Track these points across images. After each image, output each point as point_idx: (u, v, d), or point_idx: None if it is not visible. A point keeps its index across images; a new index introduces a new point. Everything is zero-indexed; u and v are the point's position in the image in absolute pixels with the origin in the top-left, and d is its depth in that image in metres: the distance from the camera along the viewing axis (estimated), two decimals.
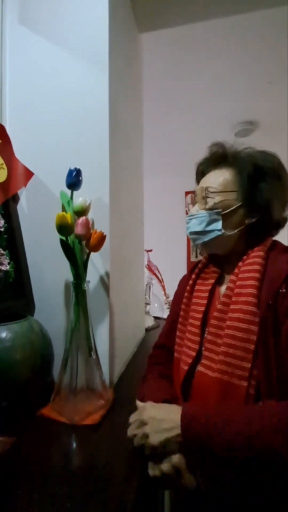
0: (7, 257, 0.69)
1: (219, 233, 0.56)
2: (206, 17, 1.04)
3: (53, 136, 0.76)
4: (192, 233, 0.59)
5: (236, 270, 0.55)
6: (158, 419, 0.44)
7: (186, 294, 0.63)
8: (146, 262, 1.42)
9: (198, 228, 0.57)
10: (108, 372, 0.72)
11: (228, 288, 0.54)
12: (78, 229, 0.63)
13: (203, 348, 0.55)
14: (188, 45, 1.25)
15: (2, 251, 0.67)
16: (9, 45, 0.79)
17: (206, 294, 0.58)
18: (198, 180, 0.65)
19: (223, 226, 0.56)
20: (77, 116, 0.75)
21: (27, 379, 0.58)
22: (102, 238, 0.66)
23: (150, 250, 1.45)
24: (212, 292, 0.59)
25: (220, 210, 0.55)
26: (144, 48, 1.21)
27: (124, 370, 0.85)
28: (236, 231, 0.56)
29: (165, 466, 0.42)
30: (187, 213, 0.63)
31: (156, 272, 1.47)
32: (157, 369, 0.64)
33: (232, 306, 0.51)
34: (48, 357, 0.65)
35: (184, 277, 0.74)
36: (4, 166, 0.72)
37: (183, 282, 0.71)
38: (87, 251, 0.66)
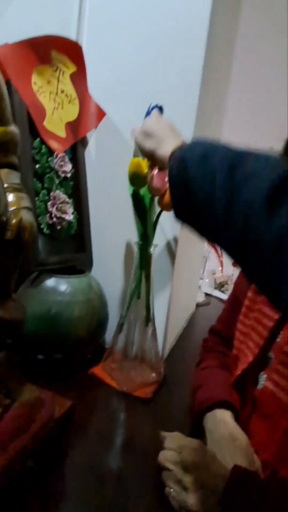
0: (71, 206, 0.64)
1: None
2: None
3: (132, 65, 0.62)
4: None
5: None
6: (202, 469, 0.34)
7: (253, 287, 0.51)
8: None
9: None
10: (161, 344, 0.67)
11: None
12: (154, 181, 0.52)
13: (271, 355, 0.43)
14: None
15: (67, 199, 0.62)
16: None
17: None
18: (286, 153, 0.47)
19: None
20: (165, 38, 0.59)
21: (82, 337, 0.55)
22: None
23: None
24: None
25: None
26: None
27: (174, 344, 0.80)
28: None
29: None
30: None
31: (216, 245, 1.33)
32: (216, 356, 0.56)
33: None
34: (104, 318, 0.61)
35: None
36: (77, 101, 0.63)
37: None
38: (159, 209, 0.57)
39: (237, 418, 0.44)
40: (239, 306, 0.53)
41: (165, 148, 0.34)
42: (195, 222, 0.30)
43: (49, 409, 0.34)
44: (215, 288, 1.57)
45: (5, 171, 0.30)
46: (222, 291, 1.51)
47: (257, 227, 0.22)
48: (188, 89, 0.59)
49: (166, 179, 0.54)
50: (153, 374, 0.59)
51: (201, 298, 1.31)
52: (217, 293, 1.51)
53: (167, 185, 0.55)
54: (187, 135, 0.58)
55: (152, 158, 0.39)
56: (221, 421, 0.42)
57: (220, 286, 1.61)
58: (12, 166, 0.31)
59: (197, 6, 0.56)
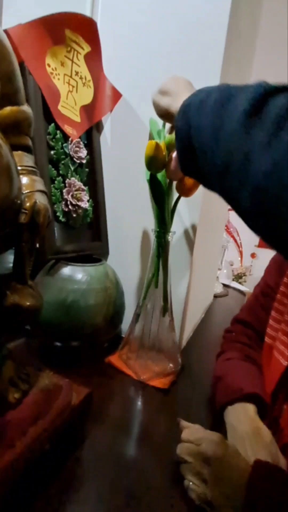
0: (87, 194, 0.62)
1: None
2: None
3: (149, 42, 0.59)
4: None
5: None
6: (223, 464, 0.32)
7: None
8: (225, 222, 1.24)
9: None
10: (178, 335, 0.65)
11: None
12: (172, 165, 0.50)
13: None
14: None
15: (83, 186, 0.61)
16: None
17: None
18: None
19: None
20: (185, 14, 0.55)
21: (98, 325, 0.55)
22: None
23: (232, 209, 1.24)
24: None
25: None
26: None
27: (192, 335, 0.78)
28: None
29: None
30: None
31: (235, 235, 1.28)
32: (240, 348, 0.54)
33: None
34: (120, 307, 0.60)
35: None
36: (91, 83, 0.61)
37: None
38: (177, 195, 0.54)
39: (265, 411, 0.42)
40: (270, 295, 0.51)
41: (179, 103, 0.31)
42: (201, 175, 0.29)
43: (67, 396, 0.33)
44: (233, 280, 1.53)
45: (18, 153, 0.29)
46: (240, 283, 1.47)
47: (240, 147, 0.21)
48: (209, 69, 0.54)
49: None
50: (170, 365, 0.58)
51: (219, 289, 1.28)
52: (235, 284, 1.47)
53: None
54: None
55: (167, 116, 0.37)
56: (244, 415, 0.41)
57: (238, 278, 1.56)
58: (25, 148, 0.30)
59: None
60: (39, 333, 0.56)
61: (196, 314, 0.84)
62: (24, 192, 0.28)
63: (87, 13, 0.60)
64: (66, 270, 0.54)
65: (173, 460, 0.36)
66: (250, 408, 0.41)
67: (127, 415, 0.46)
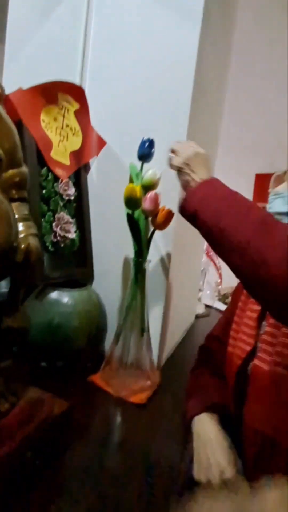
0: (74, 226, 0.70)
1: None
2: None
3: (130, 102, 0.71)
4: (275, 213, 0.50)
5: None
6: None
7: None
8: (205, 247, 1.34)
9: (284, 209, 0.48)
10: (157, 353, 0.71)
11: None
12: (146, 204, 0.59)
13: (258, 343, 0.48)
14: None
15: (70, 219, 0.69)
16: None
17: None
18: None
19: None
20: (158, 80, 0.68)
21: (82, 345, 0.60)
22: (169, 216, 0.61)
23: None
24: None
25: None
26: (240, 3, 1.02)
27: (172, 354, 0.84)
28: None
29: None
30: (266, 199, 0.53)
31: (215, 258, 1.38)
32: (211, 363, 0.60)
33: None
34: (103, 327, 0.66)
35: None
36: (80, 133, 0.71)
37: None
38: (152, 228, 0.63)
39: (228, 416, 0.48)
40: (235, 311, 0.58)
41: (196, 177, 0.43)
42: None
43: (49, 407, 0.38)
44: (219, 300, 1.60)
45: (16, 204, 0.36)
46: (226, 303, 1.54)
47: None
48: (178, 122, 0.66)
49: (158, 201, 0.61)
50: (148, 382, 0.63)
51: (201, 310, 1.34)
52: (218, 305, 1.54)
53: (159, 207, 0.62)
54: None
55: (182, 178, 0.46)
56: (208, 423, 0.46)
57: (224, 298, 1.63)
58: (22, 199, 0.38)
59: (184, 55, 0.65)
60: (26, 354, 0.61)
61: (176, 334, 0.90)
62: (20, 236, 0.35)
63: (77, 81, 0.72)
64: (53, 295, 0.61)
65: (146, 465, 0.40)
66: (213, 417, 0.47)
67: (106, 429, 0.50)
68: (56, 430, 0.39)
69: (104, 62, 0.73)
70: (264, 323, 0.48)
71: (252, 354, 0.48)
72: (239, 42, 1.15)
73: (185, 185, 0.46)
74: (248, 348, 0.49)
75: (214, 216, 0.37)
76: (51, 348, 0.58)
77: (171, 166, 0.48)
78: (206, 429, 0.46)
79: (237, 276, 0.36)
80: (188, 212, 0.41)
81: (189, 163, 0.45)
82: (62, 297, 0.60)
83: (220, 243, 0.37)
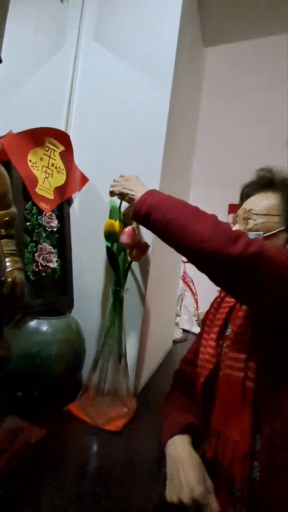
0: (56, 255, 0.74)
1: None
2: (270, 32, 1.01)
3: (110, 146, 0.80)
4: None
5: None
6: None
7: (212, 310, 0.62)
8: (181, 273, 1.41)
9: None
10: (133, 380, 0.73)
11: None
12: (124, 238, 0.65)
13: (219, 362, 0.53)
14: (249, 59, 1.22)
15: (52, 250, 0.73)
16: (82, 59, 0.85)
17: (227, 310, 0.57)
18: (242, 201, 0.64)
19: None
20: (135, 127, 0.78)
21: (60, 373, 0.61)
22: (145, 248, 0.67)
23: (187, 262, 1.43)
24: (233, 309, 0.57)
25: (261, 232, 0.54)
26: (207, 61, 1.21)
27: (148, 380, 0.85)
28: None
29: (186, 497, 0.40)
30: None
31: (191, 284, 1.45)
32: (185, 386, 0.63)
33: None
34: (81, 355, 0.68)
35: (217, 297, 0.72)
36: (64, 171, 0.78)
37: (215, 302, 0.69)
38: (129, 259, 0.68)
39: (200, 433, 0.51)
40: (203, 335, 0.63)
41: (139, 194, 0.54)
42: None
43: (27, 435, 0.40)
44: (198, 324, 1.65)
45: (5, 240, 0.40)
46: None
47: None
48: (152, 162, 0.75)
49: (135, 235, 0.67)
50: (125, 409, 0.64)
51: (178, 335, 1.37)
52: (196, 329, 1.58)
53: (136, 240, 0.68)
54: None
55: (126, 199, 0.59)
56: (180, 444, 0.49)
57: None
58: (10, 236, 0.42)
59: (158, 100, 0.76)
60: (2, 384, 0.60)
61: (153, 360, 0.93)
62: (7, 270, 0.38)
63: (62, 128, 0.81)
64: (32, 323, 0.62)
65: (124, 494, 0.41)
66: (184, 438, 0.49)
67: (82, 456, 0.51)
68: (34, 456, 0.40)
69: (88, 111, 0.83)
70: (223, 343, 0.54)
71: (216, 370, 0.53)
72: (208, 96, 1.34)
73: (130, 202, 0.58)
74: (210, 366, 0.54)
75: (162, 213, 0.48)
76: (28, 377, 0.58)
77: (111, 193, 0.62)
78: (178, 450, 0.48)
79: (183, 255, 0.47)
80: (142, 213, 0.50)
81: (127, 186, 0.58)
82: (42, 326, 0.62)
83: (170, 232, 0.46)
